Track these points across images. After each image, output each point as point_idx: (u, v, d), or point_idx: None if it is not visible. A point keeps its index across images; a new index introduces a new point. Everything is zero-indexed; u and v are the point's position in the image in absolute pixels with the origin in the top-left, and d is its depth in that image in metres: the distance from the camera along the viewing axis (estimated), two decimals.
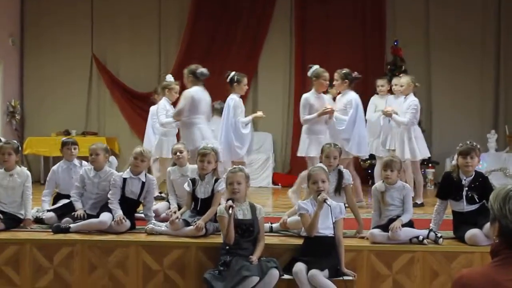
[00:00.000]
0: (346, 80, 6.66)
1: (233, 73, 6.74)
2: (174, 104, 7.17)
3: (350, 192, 5.07)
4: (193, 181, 5.03)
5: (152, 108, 7.60)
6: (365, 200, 6.64)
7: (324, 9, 9.97)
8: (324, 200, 4.25)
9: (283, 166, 10.18)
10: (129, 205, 5.14)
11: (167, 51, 10.24)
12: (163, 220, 5.30)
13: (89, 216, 5.16)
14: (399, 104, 7.08)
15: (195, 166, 5.29)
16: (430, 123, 9.81)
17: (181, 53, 9.94)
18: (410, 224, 4.70)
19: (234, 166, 4.75)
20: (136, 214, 5.33)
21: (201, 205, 4.96)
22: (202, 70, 6.60)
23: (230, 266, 4.16)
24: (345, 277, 4.20)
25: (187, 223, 4.83)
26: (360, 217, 4.93)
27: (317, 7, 9.97)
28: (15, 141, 5.60)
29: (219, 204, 4.88)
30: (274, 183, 9.45)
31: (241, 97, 6.87)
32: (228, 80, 6.71)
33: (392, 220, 4.61)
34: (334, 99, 7.13)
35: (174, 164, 5.77)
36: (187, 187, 5.04)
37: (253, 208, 4.47)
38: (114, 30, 10.22)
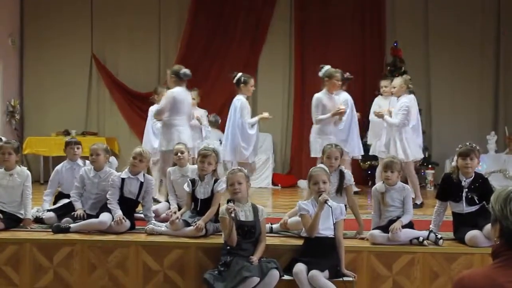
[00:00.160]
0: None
1: (239, 74, 6.78)
2: None
3: (351, 192, 5.07)
4: (193, 181, 5.03)
5: (152, 108, 7.59)
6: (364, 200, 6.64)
7: (323, 10, 9.95)
8: (325, 201, 4.26)
9: (282, 166, 10.17)
10: (128, 206, 5.14)
11: (167, 51, 10.24)
12: (163, 220, 5.30)
13: (89, 216, 5.16)
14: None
15: (195, 166, 5.30)
16: (429, 124, 9.81)
17: (181, 54, 9.93)
18: (410, 225, 4.70)
19: (233, 167, 4.77)
20: (136, 215, 5.34)
21: (201, 206, 4.96)
22: (185, 70, 6.63)
23: (230, 266, 4.16)
24: (345, 278, 4.20)
25: (187, 224, 4.83)
26: (360, 218, 4.93)
27: (317, 7, 9.96)
28: (14, 140, 5.60)
29: (219, 205, 4.89)
30: (273, 183, 9.45)
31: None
32: (234, 81, 6.74)
33: (392, 221, 4.61)
34: None
35: (174, 165, 5.78)
36: (186, 187, 5.04)
37: (255, 210, 4.47)
38: (114, 30, 10.21)
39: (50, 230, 4.99)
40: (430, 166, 9.10)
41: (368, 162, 8.94)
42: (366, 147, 7.75)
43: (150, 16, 10.20)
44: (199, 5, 10.04)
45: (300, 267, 4.17)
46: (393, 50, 9.49)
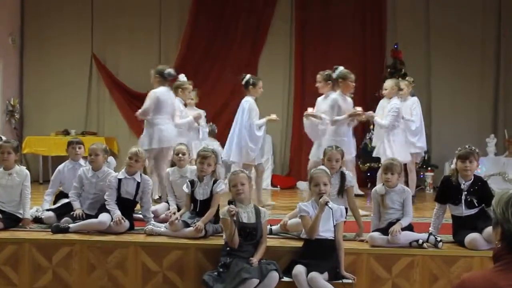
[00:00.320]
0: (329, 82, 6.68)
1: (248, 76, 6.81)
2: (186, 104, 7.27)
3: (352, 194, 5.07)
4: (192, 182, 5.03)
5: None
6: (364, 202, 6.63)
7: (324, 9, 9.94)
8: (326, 203, 4.25)
9: (282, 168, 10.17)
10: (126, 206, 5.13)
11: (167, 51, 10.22)
12: (163, 221, 5.29)
13: (88, 216, 5.16)
14: (406, 107, 7.15)
15: (194, 167, 5.29)
16: (429, 126, 9.79)
17: (181, 55, 9.92)
18: (410, 227, 4.69)
19: (236, 169, 4.78)
20: (135, 215, 5.33)
21: (200, 207, 4.95)
22: (170, 70, 6.68)
23: (229, 268, 4.15)
24: (345, 280, 4.20)
25: (187, 224, 4.83)
26: (360, 220, 4.93)
27: (318, 7, 9.95)
28: (14, 140, 5.60)
29: (219, 206, 4.89)
30: (273, 185, 9.45)
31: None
32: (243, 83, 6.76)
33: (391, 224, 4.61)
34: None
35: (174, 165, 5.77)
36: (185, 188, 5.04)
37: (257, 212, 4.46)
38: (114, 30, 10.20)
39: (49, 230, 4.98)
40: (429, 168, 9.10)
41: (368, 164, 8.93)
42: (370, 150, 7.75)
43: (150, 17, 10.19)
44: (200, 7, 10.04)
45: (299, 269, 4.17)
46: (393, 52, 9.49)
